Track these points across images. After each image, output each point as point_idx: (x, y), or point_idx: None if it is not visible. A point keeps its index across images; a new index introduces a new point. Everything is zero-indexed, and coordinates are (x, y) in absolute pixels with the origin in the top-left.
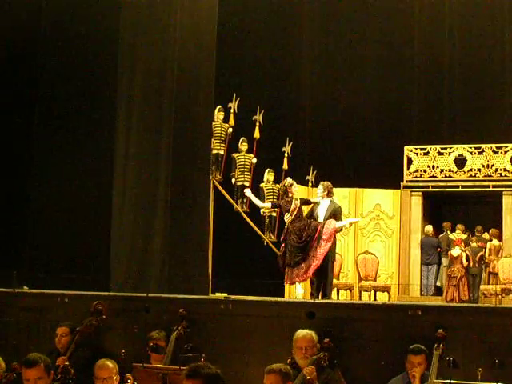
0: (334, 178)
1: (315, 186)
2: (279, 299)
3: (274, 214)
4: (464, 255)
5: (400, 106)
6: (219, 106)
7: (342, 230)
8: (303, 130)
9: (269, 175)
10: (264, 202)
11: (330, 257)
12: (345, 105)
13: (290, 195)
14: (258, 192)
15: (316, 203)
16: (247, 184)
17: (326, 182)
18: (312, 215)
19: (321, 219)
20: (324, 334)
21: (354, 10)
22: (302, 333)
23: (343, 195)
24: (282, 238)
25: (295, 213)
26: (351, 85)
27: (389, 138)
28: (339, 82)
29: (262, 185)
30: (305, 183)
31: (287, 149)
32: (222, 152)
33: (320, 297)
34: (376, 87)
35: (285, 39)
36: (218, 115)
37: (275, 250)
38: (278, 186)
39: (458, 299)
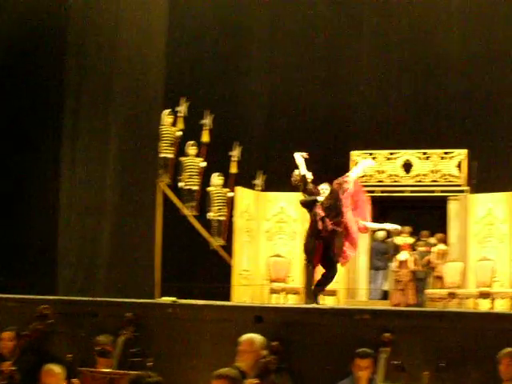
0: (282, 182)
1: (264, 190)
2: (227, 303)
3: (222, 218)
4: (411, 259)
5: (347, 110)
6: (168, 110)
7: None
8: (252, 134)
9: (217, 179)
10: (211, 206)
11: None
12: (293, 109)
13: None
14: (205, 196)
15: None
16: (195, 188)
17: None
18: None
19: None
20: (272, 338)
21: (303, 14)
22: (245, 336)
23: (291, 200)
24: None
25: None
26: (300, 89)
27: (336, 143)
28: (288, 87)
29: (209, 189)
30: (252, 187)
31: (235, 153)
32: (170, 156)
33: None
34: (324, 91)
35: (234, 43)
36: (167, 119)
37: (223, 253)
38: (226, 190)
39: (404, 303)
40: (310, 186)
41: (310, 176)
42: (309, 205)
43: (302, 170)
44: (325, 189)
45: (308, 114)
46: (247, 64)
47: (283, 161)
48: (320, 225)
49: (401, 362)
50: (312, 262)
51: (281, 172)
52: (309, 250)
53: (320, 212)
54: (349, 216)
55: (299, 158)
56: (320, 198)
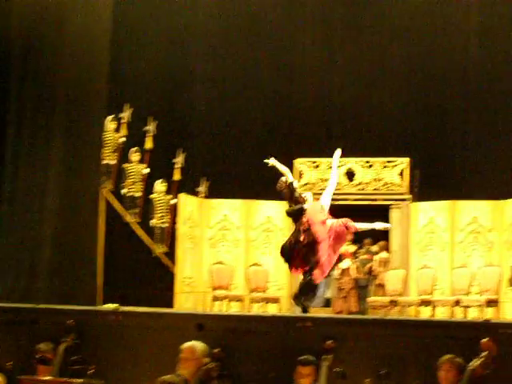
0: (225, 189)
1: (207, 197)
2: (169, 310)
3: (165, 225)
4: (353, 267)
5: (291, 119)
6: (111, 116)
7: None
8: (196, 141)
9: (160, 186)
10: (154, 213)
11: None
12: (237, 117)
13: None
14: (148, 203)
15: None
16: (138, 195)
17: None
18: None
19: None
20: (214, 345)
21: (245, 18)
22: (187, 344)
23: (234, 207)
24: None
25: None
26: (243, 98)
27: (280, 151)
28: (232, 95)
29: (152, 196)
30: (195, 194)
31: (179, 160)
32: (113, 162)
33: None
34: (268, 100)
35: (178, 50)
36: (110, 125)
37: (166, 260)
38: (169, 196)
39: (347, 311)
40: (297, 193)
41: (296, 184)
42: (296, 214)
43: (290, 177)
44: (308, 196)
45: (252, 121)
46: (191, 71)
47: (226, 168)
48: (303, 236)
49: (342, 369)
50: (290, 263)
51: (224, 179)
52: (285, 252)
53: (305, 222)
54: (323, 246)
55: (280, 165)
56: (306, 206)
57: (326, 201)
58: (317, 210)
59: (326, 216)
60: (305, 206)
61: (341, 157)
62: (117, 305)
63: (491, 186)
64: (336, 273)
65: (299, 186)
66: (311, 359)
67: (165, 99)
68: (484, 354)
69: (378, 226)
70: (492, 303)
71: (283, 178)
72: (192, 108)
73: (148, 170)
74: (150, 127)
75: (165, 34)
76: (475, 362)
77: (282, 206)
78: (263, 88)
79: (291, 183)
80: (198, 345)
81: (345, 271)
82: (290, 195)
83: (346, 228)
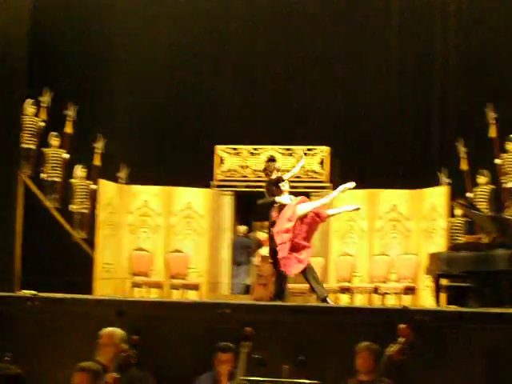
0: (145, 176)
1: (128, 183)
2: (88, 297)
3: (85, 211)
4: None
5: (212, 105)
6: (30, 100)
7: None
8: (116, 126)
9: (80, 171)
10: (74, 199)
11: None
12: (158, 102)
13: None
14: (68, 188)
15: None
16: (58, 180)
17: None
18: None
19: None
20: (133, 332)
21: (167, 11)
22: (105, 330)
23: (155, 193)
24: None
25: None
26: (165, 82)
27: (201, 137)
28: (153, 80)
29: (72, 180)
30: (115, 180)
31: (99, 145)
32: (32, 147)
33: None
34: (190, 85)
35: (99, 34)
36: (29, 109)
37: (85, 246)
38: (89, 182)
39: (266, 298)
40: (280, 187)
41: (286, 177)
42: (267, 206)
43: (296, 168)
44: (286, 187)
45: (173, 107)
46: (111, 55)
47: (147, 154)
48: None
49: (261, 356)
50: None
51: (145, 165)
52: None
53: (274, 215)
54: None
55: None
56: (278, 199)
57: (303, 207)
58: (289, 208)
59: (293, 217)
60: (277, 198)
61: (262, 144)
62: (34, 291)
63: (410, 175)
64: (256, 260)
65: (221, 172)
66: (230, 346)
67: (85, 84)
68: (401, 339)
69: (348, 208)
70: (409, 291)
71: (276, 165)
72: (112, 93)
73: (68, 156)
74: (70, 112)
75: (86, 17)
76: (392, 348)
77: (202, 193)
78: (184, 74)
79: (281, 177)
80: (116, 331)
81: (265, 258)
82: (270, 183)
83: (318, 216)
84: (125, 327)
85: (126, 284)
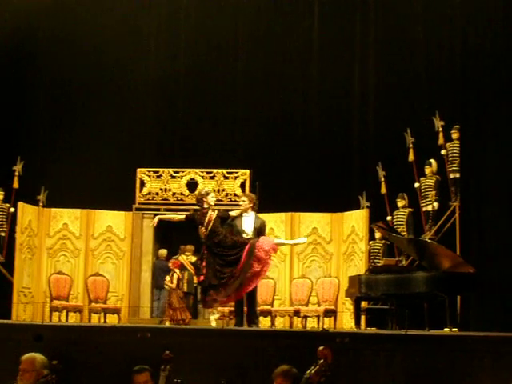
0: (66, 199)
1: (47, 206)
2: (6, 321)
3: (3, 234)
4: (174, 277)
5: (133, 128)
6: None
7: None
8: (35, 149)
9: None
10: None
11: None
12: (79, 126)
13: (205, 206)
14: None
15: (237, 217)
16: None
17: (251, 194)
18: (232, 230)
19: (248, 234)
20: (53, 357)
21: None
22: (26, 355)
23: (75, 216)
24: (201, 256)
25: (210, 226)
26: (86, 107)
27: (122, 160)
28: (72, 100)
29: None
30: (35, 203)
31: (18, 167)
32: None
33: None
34: (110, 109)
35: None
36: None
37: (3, 270)
38: (7, 205)
39: (187, 321)
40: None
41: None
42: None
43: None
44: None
45: (93, 131)
46: (35, 72)
47: (66, 177)
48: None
49: (181, 379)
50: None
51: (64, 188)
52: None
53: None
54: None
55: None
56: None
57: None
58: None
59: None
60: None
61: (182, 167)
62: None
63: (331, 198)
64: (167, 283)
65: (142, 195)
66: (145, 367)
67: (5, 104)
68: (320, 361)
69: (297, 241)
70: (330, 313)
71: (208, 192)
72: (32, 114)
73: None
74: None
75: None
76: (311, 370)
77: (122, 216)
78: (106, 96)
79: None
80: (37, 356)
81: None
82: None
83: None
84: (44, 352)
85: (45, 308)
